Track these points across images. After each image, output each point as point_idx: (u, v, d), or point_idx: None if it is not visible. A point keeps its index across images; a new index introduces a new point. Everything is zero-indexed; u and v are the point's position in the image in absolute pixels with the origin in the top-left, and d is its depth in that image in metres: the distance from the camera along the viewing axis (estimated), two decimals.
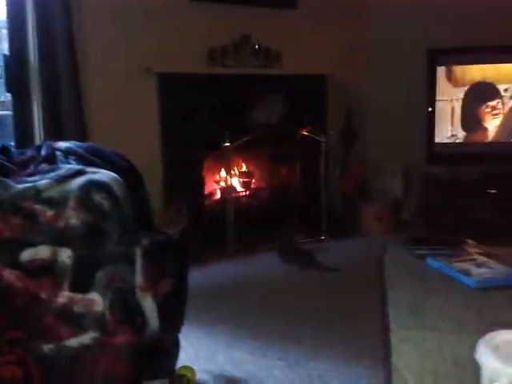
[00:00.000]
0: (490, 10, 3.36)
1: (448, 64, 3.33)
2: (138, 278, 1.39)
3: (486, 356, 0.46)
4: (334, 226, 3.58)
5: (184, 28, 3.09)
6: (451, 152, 3.45)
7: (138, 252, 1.42)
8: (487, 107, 3.33)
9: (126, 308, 1.32)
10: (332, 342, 1.98)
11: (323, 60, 3.64)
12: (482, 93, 3.33)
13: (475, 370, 0.51)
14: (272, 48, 3.37)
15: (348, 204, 3.77)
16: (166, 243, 1.60)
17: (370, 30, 3.76)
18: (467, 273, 1.19)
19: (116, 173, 1.51)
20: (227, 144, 3.21)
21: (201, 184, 3.41)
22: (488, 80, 3.32)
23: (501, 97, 3.31)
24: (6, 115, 2.74)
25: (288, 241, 3.19)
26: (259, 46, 3.29)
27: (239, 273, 2.88)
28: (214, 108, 3.19)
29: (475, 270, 1.22)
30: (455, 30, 3.41)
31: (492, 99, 3.31)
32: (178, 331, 1.67)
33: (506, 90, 3.30)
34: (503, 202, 3.25)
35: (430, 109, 3.38)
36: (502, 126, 3.38)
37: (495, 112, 3.32)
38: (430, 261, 1.30)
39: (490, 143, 3.41)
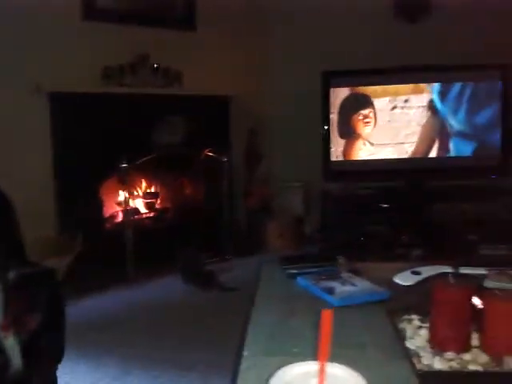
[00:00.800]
0: (384, 35, 3.61)
1: (341, 85, 3.49)
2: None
3: None
4: (239, 244, 3.60)
5: (78, 46, 3.00)
6: (346, 169, 3.61)
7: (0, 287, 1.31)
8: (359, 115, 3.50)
9: None
10: (226, 367, 1.96)
11: (225, 81, 3.68)
12: (356, 102, 3.50)
13: None
14: (172, 68, 3.35)
15: (252, 222, 3.82)
16: (36, 275, 1.50)
17: (268, 51, 3.87)
18: (331, 291, 1.22)
19: None
20: (125, 165, 3.13)
21: (99, 207, 3.28)
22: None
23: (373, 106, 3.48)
24: None
25: (190, 261, 3.16)
26: (158, 65, 3.26)
27: (136, 299, 2.79)
28: (112, 128, 3.11)
29: (339, 288, 1.25)
30: (350, 53, 3.60)
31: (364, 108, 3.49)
32: (54, 368, 1.57)
33: (406, 101, 3.48)
34: (395, 215, 3.45)
35: (325, 127, 3.51)
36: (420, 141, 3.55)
37: (367, 120, 3.50)
38: (300, 280, 1.32)
39: (383, 160, 3.60)
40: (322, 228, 3.55)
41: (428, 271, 1.35)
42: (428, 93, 3.46)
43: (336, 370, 0.50)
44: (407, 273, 1.34)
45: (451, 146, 3.52)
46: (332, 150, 3.54)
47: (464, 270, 1.30)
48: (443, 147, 3.53)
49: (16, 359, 1.30)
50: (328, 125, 3.50)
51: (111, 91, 3.10)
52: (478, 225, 3.29)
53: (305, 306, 1.19)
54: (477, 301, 0.91)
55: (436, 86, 3.45)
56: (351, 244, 3.16)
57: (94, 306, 2.58)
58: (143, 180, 3.68)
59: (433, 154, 3.54)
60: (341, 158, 3.57)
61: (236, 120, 3.78)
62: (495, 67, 3.41)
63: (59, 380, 1.57)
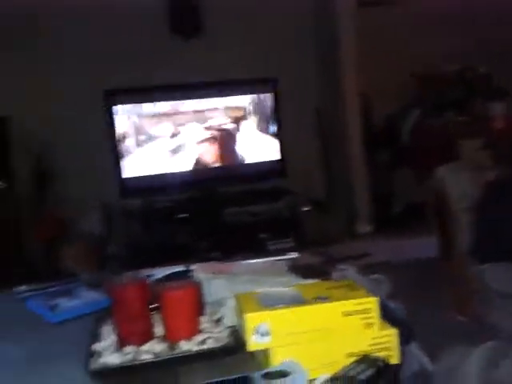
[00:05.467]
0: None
1: (124, 103, 3.52)
2: None
3: None
4: (34, 272, 3.36)
5: None
6: (143, 184, 3.65)
7: None
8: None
9: None
10: None
11: (2, 101, 3.41)
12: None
13: None
14: None
15: (49, 248, 3.60)
16: None
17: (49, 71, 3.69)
18: (54, 307, 1.21)
19: None
20: None
21: None
22: None
23: None
24: None
25: None
26: None
27: None
28: None
29: (66, 303, 1.25)
30: (130, 72, 3.64)
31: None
32: None
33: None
34: (194, 224, 3.59)
35: (114, 145, 3.50)
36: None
37: None
38: (30, 303, 1.28)
39: (177, 173, 3.72)
40: (124, 245, 3.52)
41: (160, 273, 1.44)
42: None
43: None
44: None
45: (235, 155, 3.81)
46: (125, 166, 3.56)
47: (193, 267, 1.42)
48: (229, 156, 3.80)
49: None
50: (114, 142, 3.51)
51: None
52: (266, 223, 3.63)
53: (24, 331, 1.17)
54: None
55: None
56: (152, 255, 3.18)
57: None
58: None
59: (221, 162, 3.79)
60: (135, 175, 3.60)
61: (19, 143, 3.53)
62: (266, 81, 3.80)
63: None
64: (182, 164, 3.70)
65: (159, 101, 3.62)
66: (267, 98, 3.81)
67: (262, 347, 0.84)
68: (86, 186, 3.69)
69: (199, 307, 1.02)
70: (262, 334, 0.83)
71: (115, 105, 3.49)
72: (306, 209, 3.68)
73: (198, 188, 3.68)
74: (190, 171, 3.73)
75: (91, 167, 3.67)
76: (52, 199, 3.67)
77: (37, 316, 1.24)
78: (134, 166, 3.61)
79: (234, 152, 3.79)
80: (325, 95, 4.05)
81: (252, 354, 0.87)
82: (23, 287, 1.39)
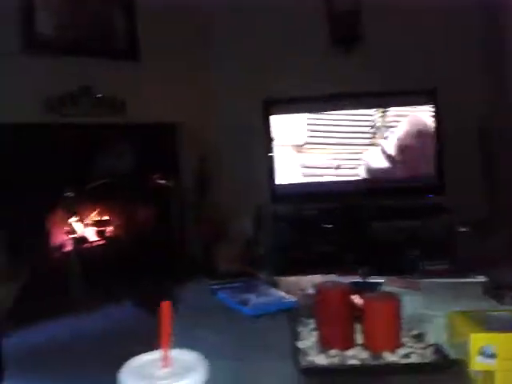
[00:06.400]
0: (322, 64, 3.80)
1: (281, 113, 3.65)
2: None
3: (124, 380, 0.53)
4: (193, 269, 3.63)
5: (17, 78, 3.02)
6: (292, 191, 3.74)
7: None
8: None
9: None
10: None
11: (171, 108, 3.77)
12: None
13: None
14: (117, 97, 3.42)
15: (205, 247, 3.86)
16: None
17: (212, 81, 3.99)
18: (246, 302, 1.29)
19: None
20: (71, 194, 3.15)
21: (46, 237, 3.28)
22: None
23: None
24: None
25: (151, 289, 3.19)
26: (102, 95, 3.33)
27: (84, 327, 2.78)
28: (56, 159, 3.13)
29: (254, 300, 1.33)
30: (290, 81, 3.77)
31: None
32: None
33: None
34: (337, 235, 3.58)
35: (269, 154, 3.65)
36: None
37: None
38: (220, 295, 1.39)
39: (326, 182, 3.74)
40: (273, 249, 3.64)
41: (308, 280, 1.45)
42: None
43: (180, 355, 0.57)
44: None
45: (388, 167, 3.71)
46: (277, 173, 3.68)
47: (371, 279, 1.41)
48: (381, 168, 3.71)
49: None
50: (271, 151, 3.64)
51: (54, 121, 3.13)
52: (418, 241, 3.46)
53: (221, 318, 1.27)
54: (359, 301, 1.01)
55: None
56: (300, 263, 3.24)
57: (41, 334, 2.58)
58: (92, 208, 3.69)
59: (372, 175, 3.72)
60: (287, 182, 3.71)
61: (185, 147, 3.87)
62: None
63: None
64: (335, 174, 3.72)
65: (317, 112, 3.68)
66: (424, 109, 3.65)
67: (487, 369, 0.79)
68: (240, 191, 3.91)
69: (400, 321, 1.00)
70: (487, 356, 0.79)
71: (273, 114, 3.63)
72: (464, 229, 3.44)
73: (349, 199, 3.66)
74: (344, 182, 3.72)
75: (246, 172, 3.87)
76: (211, 201, 3.95)
77: (229, 308, 1.33)
78: (286, 173, 3.71)
79: (387, 165, 3.69)
80: (489, 105, 3.77)
81: (464, 373, 0.83)
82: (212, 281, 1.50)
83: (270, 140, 3.63)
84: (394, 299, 0.99)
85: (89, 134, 3.30)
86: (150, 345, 0.59)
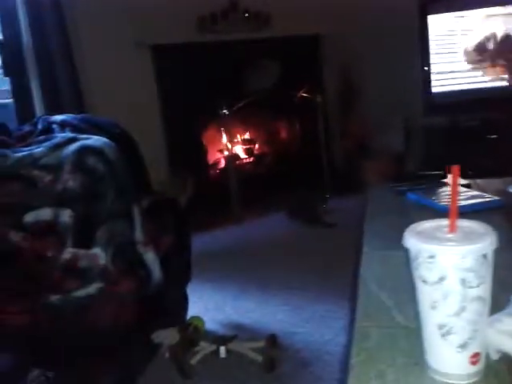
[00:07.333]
0: None
1: (440, 12, 3.29)
2: (138, 234, 1.48)
3: (408, 239, 0.53)
4: (338, 183, 3.64)
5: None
6: (449, 101, 3.45)
7: (136, 210, 1.50)
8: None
9: (127, 260, 1.41)
10: (333, 287, 2.07)
11: (316, 20, 3.61)
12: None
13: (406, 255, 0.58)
14: (262, 12, 3.37)
15: (351, 161, 3.82)
16: (164, 203, 1.69)
17: None
18: (441, 201, 1.24)
19: (109, 139, 1.59)
20: (225, 111, 3.26)
21: (203, 153, 3.49)
22: None
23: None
24: (7, 103, 2.81)
25: (302, 201, 3.30)
26: (248, 10, 3.30)
27: (244, 235, 2.98)
28: (209, 76, 3.24)
29: (439, 199, 1.27)
30: None
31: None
32: (185, 285, 1.77)
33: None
34: (502, 146, 3.26)
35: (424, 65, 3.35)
36: None
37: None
38: (409, 195, 1.35)
39: (490, 88, 3.38)
40: (426, 163, 3.46)
41: None
42: None
43: (466, 223, 0.55)
44: None
45: None
46: (432, 82, 3.39)
47: None
48: None
49: (156, 272, 1.49)
50: (428, 57, 3.34)
51: (204, 40, 3.21)
52: None
53: (414, 214, 1.23)
54: None
55: None
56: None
57: (207, 241, 2.81)
58: (241, 126, 3.80)
59: None
60: (442, 90, 3.41)
61: (328, 59, 3.74)
62: None
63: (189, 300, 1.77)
64: (497, 78, 3.33)
65: (476, 8, 3.26)
66: None
67: None
68: (389, 102, 3.71)
69: None
70: None
71: (430, 14, 3.29)
72: None
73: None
74: (505, 87, 3.33)
75: (396, 83, 3.64)
76: (356, 114, 3.83)
77: (423, 208, 1.28)
78: (442, 81, 3.42)
79: None
80: None
81: None
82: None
83: (426, 46, 3.32)
84: None
85: (236, 51, 3.33)
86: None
